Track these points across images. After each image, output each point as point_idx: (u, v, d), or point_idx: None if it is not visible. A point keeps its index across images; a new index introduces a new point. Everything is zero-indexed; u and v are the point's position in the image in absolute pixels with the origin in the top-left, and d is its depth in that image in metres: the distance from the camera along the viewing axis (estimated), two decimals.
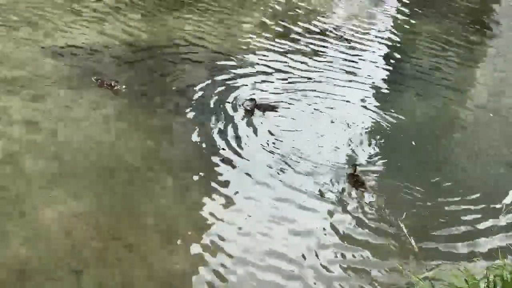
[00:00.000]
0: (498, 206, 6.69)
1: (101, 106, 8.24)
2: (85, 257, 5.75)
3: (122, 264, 5.74)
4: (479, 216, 7.00)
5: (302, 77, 9.92)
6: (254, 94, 9.09)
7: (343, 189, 7.20)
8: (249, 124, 8.35)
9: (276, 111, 8.63)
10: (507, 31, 13.37)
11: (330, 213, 6.83)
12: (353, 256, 6.27)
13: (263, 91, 9.30)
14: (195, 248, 6.07)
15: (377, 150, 8.11)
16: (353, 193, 7.15)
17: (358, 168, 7.33)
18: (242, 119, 8.42)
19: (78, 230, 6.04)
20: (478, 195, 7.38)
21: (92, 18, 10.87)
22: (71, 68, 9.09)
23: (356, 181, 7.18)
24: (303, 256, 6.15)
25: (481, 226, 6.84)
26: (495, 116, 9.52)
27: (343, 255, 6.27)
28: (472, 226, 6.86)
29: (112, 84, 8.59)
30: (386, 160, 7.89)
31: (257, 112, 8.61)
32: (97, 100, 8.37)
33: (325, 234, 6.51)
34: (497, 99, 10.15)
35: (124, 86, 8.63)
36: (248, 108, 8.53)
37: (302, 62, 10.44)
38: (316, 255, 6.19)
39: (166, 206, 6.58)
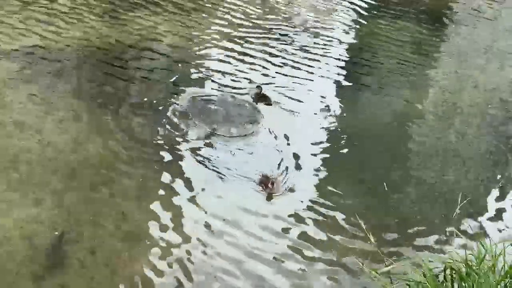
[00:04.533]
0: (456, 200, 6.89)
1: (59, 109, 8.11)
2: (46, 262, 5.68)
3: (84, 268, 5.70)
4: (437, 211, 7.22)
5: (262, 74, 9.98)
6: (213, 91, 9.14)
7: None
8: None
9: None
10: (464, 29, 13.69)
11: (284, 208, 6.97)
12: (309, 252, 6.36)
13: (224, 86, 9.35)
14: (158, 252, 6.07)
15: (335, 147, 8.23)
16: None
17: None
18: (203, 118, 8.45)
19: (39, 236, 5.97)
20: (437, 190, 7.61)
21: (47, 19, 10.67)
22: (26, 70, 8.91)
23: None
24: (274, 258, 6.24)
25: (439, 221, 7.03)
26: (454, 113, 9.74)
27: (298, 251, 6.35)
28: (430, 221, 7.05)
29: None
30: (343, 157, 8.04)
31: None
32: (55, 102, 8.24)
33: (280, 231, 6.61)
34: (455, 96, 10.40)
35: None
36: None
37: (262, 60, 10.48)
38: (273, 251, 6.30)
39: (128, 210, 6.54)
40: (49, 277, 5.55)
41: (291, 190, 7.21)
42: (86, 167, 7.10)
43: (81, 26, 10.66)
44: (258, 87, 9.13)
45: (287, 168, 7.60)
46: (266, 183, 7.05)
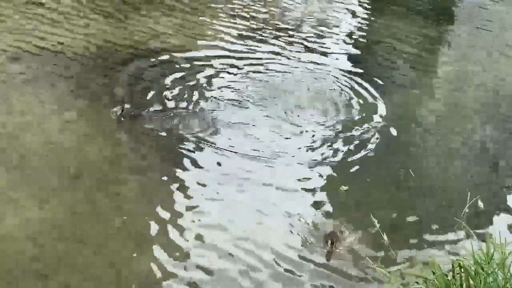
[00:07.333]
0: (465, 199, 6.86)
1: (63, 110, 8.10)
2: (51, 262, 5.67)
3: (89, 268, 5.67)
4: (447, 210, 7.16)
5: (259, 79, 9.85)
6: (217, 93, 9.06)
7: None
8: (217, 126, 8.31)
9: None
10: (469, 25, 13.63)
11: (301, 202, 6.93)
12: (319, 249, 6.31)
13: (229, 88, 9.28)
14: (163, 252, 6.03)
15: (343, 149, 8.13)
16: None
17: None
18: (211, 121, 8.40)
19: (43, 236, 5.95)
20: (445, 189, 7.56)
21: (51, 20, 10.67)
22: (30, 71, 8.91)
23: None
24: (282, 253, 6.18)
25: (449, 219, 6.94)
26: (460, 111, 9.66)
27: (307, 247, 6.31)
28: (439, 219, 7.00)
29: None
30: (350, 157, 7.95)
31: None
32: (60, 103, 8.23)
33: (292, 228, 6.57)
34: (460, 94, 10.33)
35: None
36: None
37: (262, 59, 10.42)
38: (284, 247, 6.25)
39: (133, 209, 6.52)
40: (54, 276, 5.53)
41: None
42: (91, 168, 7.08)
43: (86, 27, 10.65)
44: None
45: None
46: (328, 240, 6.25)
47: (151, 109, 8.40)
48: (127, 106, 8.16)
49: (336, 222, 6.71)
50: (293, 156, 7.80)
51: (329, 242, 6.16)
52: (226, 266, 5.93)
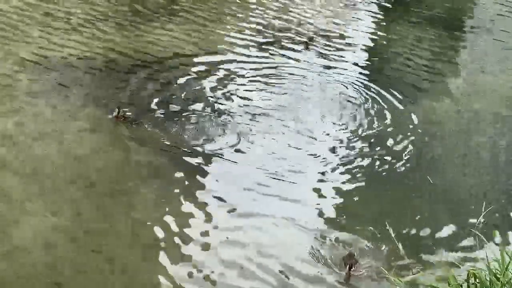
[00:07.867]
0: (479, 209, 6.81)
1: (77, 119, 8.16)
2: (65, 270, 5.70)
3: (102, 277, 5.69)
4: (461, 220, 7.14)
5: (276, 85, 9.88)
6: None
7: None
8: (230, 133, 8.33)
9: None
10: (483, 35, 13.57)
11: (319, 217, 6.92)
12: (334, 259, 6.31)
13: (243, 98, 9.30)
14: (177, 261, 6.04)
15: (355, 156, 8.14)
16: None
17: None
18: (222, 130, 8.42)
19: (58, 244, 5.99)
20: (460, 199, 7.55)
21: (65, 31, 10.77)
22: (45, 82, 8.98)
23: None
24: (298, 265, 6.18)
25: (463, 230, 6.95)
26: (475, 121, 9.63)
27: (321, 257, 6.32)
28: (454, 230, 6.98)
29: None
30: (365, 166, 7.95)
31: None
32: (73, 113, 8.30)
33: (310, 246, 6.54)
34: (475, 103, 10.27)
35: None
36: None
37: (278, 68, 10.42)
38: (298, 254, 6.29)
39: (146, 218, 6.54)
40: (68, 285, 5.55)
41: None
42: (104, 177, 7.13)
43: (99, 37, 10.72)
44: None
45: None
46: (347, 263, 6.14)
47: (161, 115, 8.47)
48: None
49: (354, 238, 6.68)
50: (311, 169, 7.79)
51: (348, 266, 6.11)
52: (239, 283, 5.91)
